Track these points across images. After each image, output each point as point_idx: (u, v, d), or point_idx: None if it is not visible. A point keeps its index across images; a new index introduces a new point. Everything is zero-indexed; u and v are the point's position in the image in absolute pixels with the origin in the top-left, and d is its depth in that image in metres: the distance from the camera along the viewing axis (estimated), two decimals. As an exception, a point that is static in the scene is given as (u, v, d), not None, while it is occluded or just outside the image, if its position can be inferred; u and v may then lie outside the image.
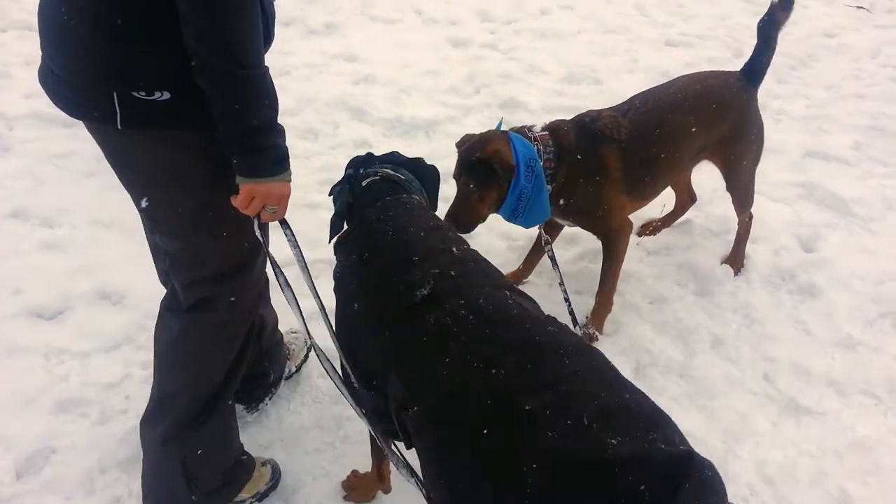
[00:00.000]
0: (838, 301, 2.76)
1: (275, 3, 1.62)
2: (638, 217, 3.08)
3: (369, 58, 4.72)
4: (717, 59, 4.82)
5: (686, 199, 3.15)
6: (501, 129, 2.46)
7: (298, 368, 2.43)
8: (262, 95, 1.42)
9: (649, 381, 2.42)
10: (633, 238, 3.01)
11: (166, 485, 1.87)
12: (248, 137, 1.45)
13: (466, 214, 2.37)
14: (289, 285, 1.75)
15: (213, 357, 1.83)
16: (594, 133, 2.45)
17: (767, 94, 4.36)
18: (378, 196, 1.77)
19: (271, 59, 4.45)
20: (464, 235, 1.81)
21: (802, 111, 4.23)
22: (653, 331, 2.61)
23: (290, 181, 1.57)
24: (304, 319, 1.75)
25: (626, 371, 2.43)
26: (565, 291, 2.45)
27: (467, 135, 2.49)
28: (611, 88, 4.39)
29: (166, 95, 1.41)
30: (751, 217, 2.93)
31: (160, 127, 1.46)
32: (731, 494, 2.01)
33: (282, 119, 4.18)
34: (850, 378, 2.45)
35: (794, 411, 2.32)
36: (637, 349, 2.53)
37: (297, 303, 1.75)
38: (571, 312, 2.43)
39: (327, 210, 3.21)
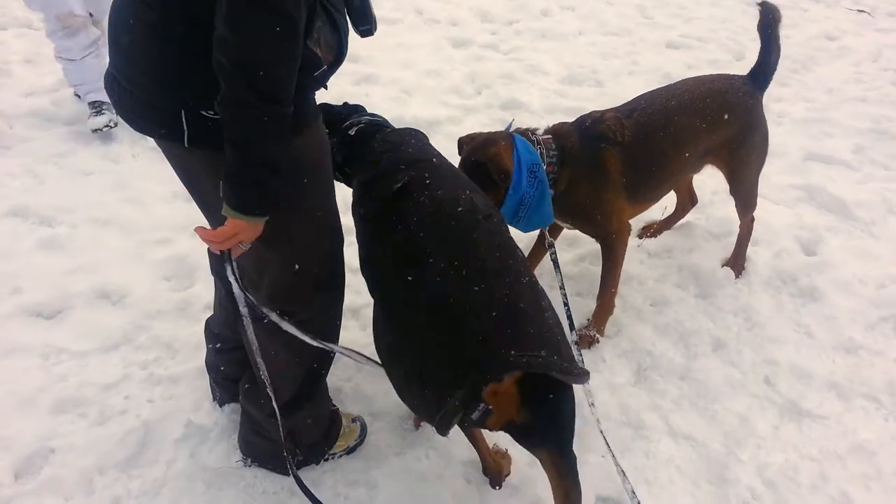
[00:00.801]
0: (839, 304, 2.76)
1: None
2: (639, 219, 3.08)
3: (370, 58, 4.70)
4: (719, 61, 4.82)
5: (687, 201, 3.14)
6: (510, 130, 2.43)
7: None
8: (273, 131, 1.35)
9: (650, 383, 2.42)
10: (634, 240, 3.02)
11: (272, 446, 1.97)
12: (249, 171, 1.37)
13: None
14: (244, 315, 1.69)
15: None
16: (596, 135, 2.43)
17: (769, 96, 4.31)
18: (373, 132, 2.12)
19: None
20: None
21: (803, 114, 4.23)
22: (654, 333, 2.60)
23: (262, 224, 1.49)
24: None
25: (626, 373, 2.45)
26: (565, 295, 2.44)
27: (473, 134, 2.47)
28: (612, 90, 4.38)
29: None
30: (752, 219, 2.93)
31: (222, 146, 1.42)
32: (732, 497, 2.02)
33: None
34: (851, 382, 2.44)
35: (796, 415, 2.31)
36: (638, 351, 2.52)
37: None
38: (569, 317, 2.41)
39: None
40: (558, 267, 2.47)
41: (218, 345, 2.15)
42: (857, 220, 3.29)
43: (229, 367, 2.16)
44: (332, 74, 1.56)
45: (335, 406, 2.16)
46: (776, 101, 4.32)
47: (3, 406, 2.21)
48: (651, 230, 3.15)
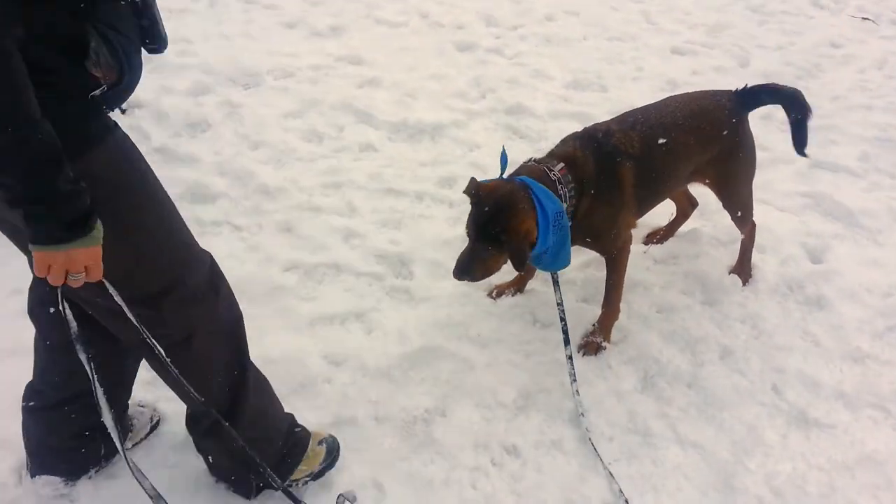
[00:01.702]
0: (847, 313, 2.75)
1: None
2: (644, 225, 3.07)
3: (374, 61, 4.70)
4: (723, 67, 4.81)
5: (686, 205, 3.12)
6: (507, 162, 2.30)
7: (136, 443, 2.18)
8: (22, 161, 1.21)
9: (658, 390, 2.40)
10: (640, 247, 3.01)
11: (228, 472, 1.98)
12: (26, 205, 1.26)
13: (481, 271, 2.27)
14: (89, 364, 1.55)
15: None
16: (610, 150, 2.37)
17: (774, 103, 4.35)
18: None
19: (275, 60, 4.42)
20: None
21: (809, 122, 4.21)
22: (660, 340, 2.59)
23: (97, 243, 1.36)
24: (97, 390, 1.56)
25: (633, 380, 2.44)
26: (562, 310, 2.41)
27: (477, 182, 2.26)
28: (616, 96, 4.38)
29: None
30: (753, 226, 2.92)
31: None
32: (741, 507, 2.00)
33: (286, 121, 4.16)
34: (859, 391, 2.43)
35: (804, 424, 2.30)
36: (645, 358, 2.51)
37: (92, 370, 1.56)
38: (565, 331, 2.39)
39: (332, 214, 3.24)
40: (558, 284, 2.44)
41: (32, 402, 1.95)
42: (863, 229, 3.28)
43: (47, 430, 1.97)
44: (123, 96, 1.50)
45: (300, 427, 2.05)
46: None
47: (6, 407, 2.18)
48: (656, 237, 3.14)
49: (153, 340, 1.61)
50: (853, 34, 5.59)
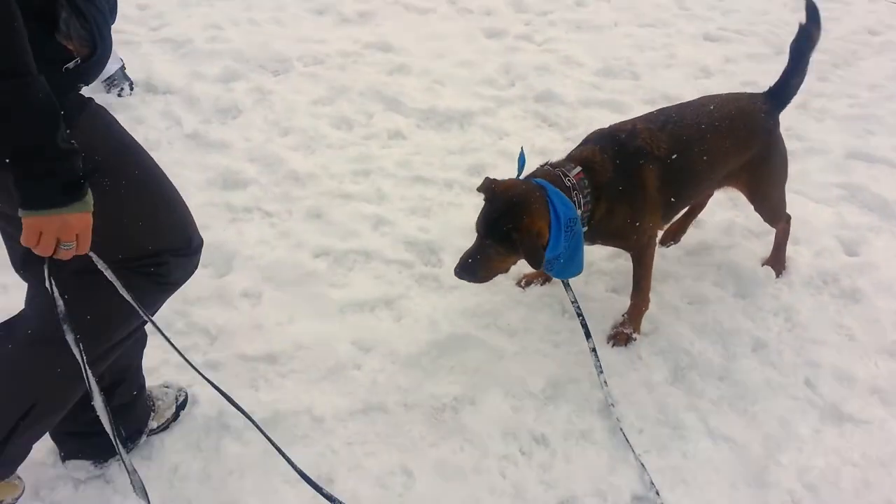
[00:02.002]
0: (882, 307, 2.70)
1: None
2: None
3: (403, 47, 4.68)
4: (758, 55, 4.72)
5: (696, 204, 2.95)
6: (524, 164, 2.25)
7: (164, 427, 2.18)
8: (24, 109, 1.19)
9: (689, 383, 2.38)
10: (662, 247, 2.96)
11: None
12: (21, 162, 1.21)
13: (485, 271, 2.23)
14: (77, 345, 1.52)
15: None
16: (633, 151, 2.29)
17: (809, 91, 4.25)
18: None
19: (305, 46, 4.44)
20: None
21: (846, 111, 4.13)
22: (692, 332, 2.57)
23: (89, 210, 1.33)
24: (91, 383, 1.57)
25: (663, 372, 2.42)
26: (577, 307, 2.39)
27: (491, 180, 2.23)
28: (648, 83, 4.32)
29: None
30: (788, 219, 2.86)
31: None
32: (772, 501, 1.99)
33: (315, 108, 4.19)
34: (894, 386, 2.39)
35: (837, 418, 2.27)
36: (676, 350, 2.49)
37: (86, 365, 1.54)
38: (584, 325, 2.36)
39: (361, 201, 3.25)
40: (568, 285, 2.41)
41: None
42: (900, 221, 3.21)
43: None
44: (96, 69, 1.44)
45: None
46: (816, 97, 4.23)
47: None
48: (671, 238, 2.99)
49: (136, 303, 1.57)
50: (892, 20, 5.45)
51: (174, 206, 1.73)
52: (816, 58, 4.69)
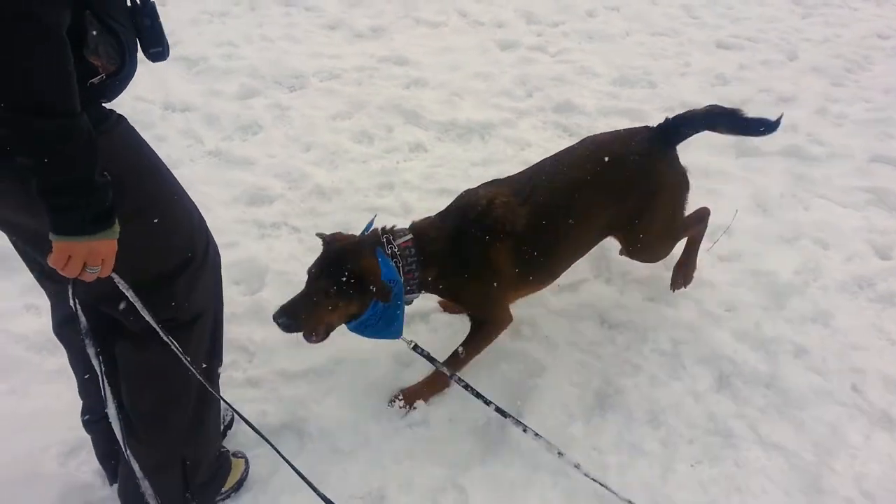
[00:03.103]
0: (921, 310, 2.69)
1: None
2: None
3: (418, 61, 4.69)
4: (771, 61, 4.74)
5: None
6: (371, 228, 2.23)
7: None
8: (66, 147, 1.23)
9: (734, 390, 2.37)
10: (705, 244, 2.93)
11: (163, 484, 1.82)
12: (56, 195, 1.27)
13: (312, 319, 2.07)
14: (94, 345, 1.58)
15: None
16: (484, 228, 2.20)
17: (827, 97, 4.28)
18: None
19: (319, 62, 4.46)
20: None
21: (863, 114, 4.14)
22: (733, 339, 2.55)
23: (116, 237, 1.38)
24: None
25: (709, 380, 2.40)
26: (461, 380, 2.18)
27: (337, 235, 2.22)
28: (666, 91, 4.33)
29: None
30: (703, 218, 2.63)
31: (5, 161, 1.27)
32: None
33: (335, 123, 4.19)
34: (941, 390, 2.38)
35: (888, 424, 2.25)
36: (719, 358, 2.47)
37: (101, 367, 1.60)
38: (478, 395, 2.13)
39: (388, 214, 3.23)
40: (432, 360, 2.18)
41: (86, 416, 1.94)
42: (930, 223, 3.21)
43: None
44: (120, 86, 1.45)
45: (223, 446, 2.08)
46: (834, 102, 4.24)
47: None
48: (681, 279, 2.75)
49: (156, 324, 1.58)
50: (901, 25, 5.49)
51: (184, 217, 1.69)
52: (829, 63, 4.76)
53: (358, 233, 2.27)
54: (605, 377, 2.42)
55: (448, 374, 2.20)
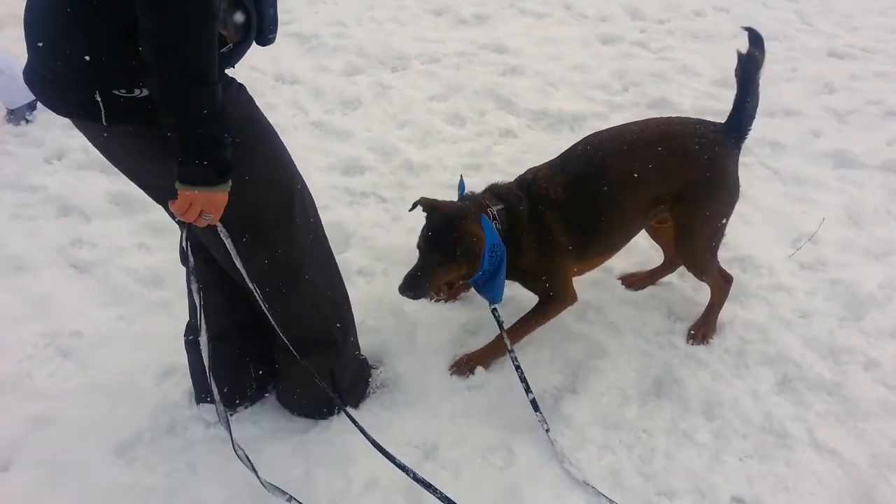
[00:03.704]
0: None
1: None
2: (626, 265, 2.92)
3: (517, 49, 4.79)
4: (888, 73, 4.53)
5: (675, 254, 2.68)
6: (463, 192, 2.40)
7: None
8: (208, 110, 1.44)
9: (796, 394, 2.35)
10: (786, 251, 2.90)
11: (314, 391, 2.13)
12: (193, 148, 1.48)
13: (429, 283, 2.29)
14: (196, 282, 1.82)
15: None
16: (533, 198, 2.33)
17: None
18: None
19: (423, 45, 4.66)
20: None
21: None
22: (802, 345, 2.53)
23: (228, 190, 1.58)
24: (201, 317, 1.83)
25: (771, 381, 2.41)
26: (515, 358, 2.31)
27: (435, 201, 2.33)
28: (767, 96, 4.18)
29: (145, 92, 1.47)
30: (728, 280, 2.59)
31: (142, 121, 1.50)
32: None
33: (431, 104, 4.36)
34: None
35: (956, 446, 2.19)
36: (784, 361, 2.46)
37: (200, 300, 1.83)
38: (523, 378, 2.28)
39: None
40: (500, 323, 2.37)
41: (191, 336, 2.17)
42: None
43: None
44: (241, 54, 1.63)
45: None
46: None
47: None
48: (633, 280, 2.83)
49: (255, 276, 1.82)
50: None
51: (287, 176, 1.88)
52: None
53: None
54: (666, 367, 2.46)
55: (508, 344, 2.32)
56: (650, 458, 2.15)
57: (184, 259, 1.95)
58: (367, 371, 2.38)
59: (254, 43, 1.65)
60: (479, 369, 2.43)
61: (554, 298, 2.45)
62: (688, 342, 2.56)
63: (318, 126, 3.89)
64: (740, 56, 2.39)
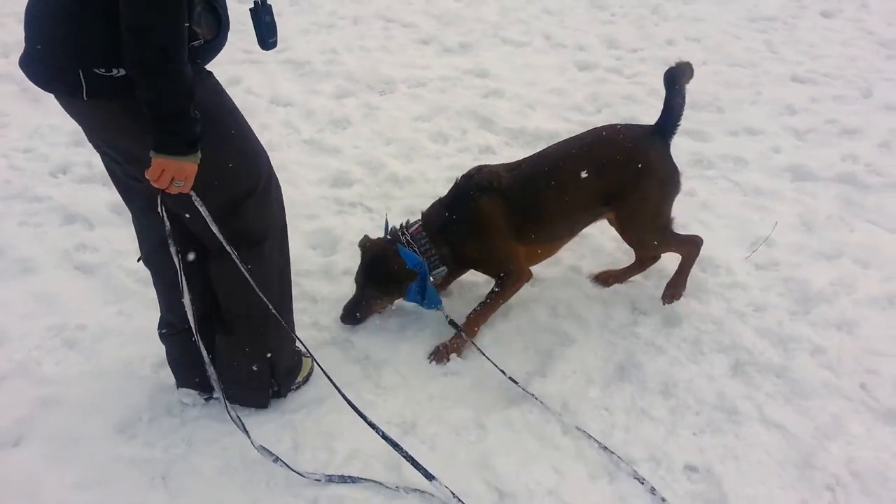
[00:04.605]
0: (950, 329, 2.78)
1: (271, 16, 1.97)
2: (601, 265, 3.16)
3: (498, 74, 5.08)
4: (844, 97, 4.81)
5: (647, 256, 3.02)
6: (388, 227, 2.80)
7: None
8: (178, 85, 1.63)
9: (746, 377, 2.55)
10: (743, 253, 3.13)
11: (251, 378, 2.30)
12: (164, 120, 1.67)
13: (366, 314, 2.75)
14: (174, 244, 2.00)
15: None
16: (471, 188, 2.67)
17: (893, 133, 4.33)
18: None
19: (409, 71, 4.95)
20: None
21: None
22: (754, 335, 2.73)
23: (197, 162, 1.76)
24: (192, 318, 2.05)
25: (724, 366, 2.61)
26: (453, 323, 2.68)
27: (367, 239, 2.80)
28: (733, 117, 4.51)
29: (122, 72, 1.66)
30: (697, 244, 2.88)
31: (121, 98, 1.69)
32: (817, 480, 2.14)
33: (416, 123, 4.62)
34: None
35: (892, 420, 2.38)
36: (737, 348, 2.66)
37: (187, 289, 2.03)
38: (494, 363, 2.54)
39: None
40: (454, 323, 2.69)
41: (163, 330, 2.35)
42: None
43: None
44: (213, 52, 1.86)
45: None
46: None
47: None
48: (604, 278, 3.05)
49: (227, 243, 2.00)
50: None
51: (252, 152, 2.08)
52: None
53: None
54: (628, 354, 2.66)
55: (465, 335, 2.66)
56: (610, 432, 2.34)
57: (147, 257, 2.22)
58: (300, 360, 2.51)
59: (227, 41, 1.89)
60: (455, 357, 2.63)
61: (508, 277, 2.71)
62: (662, 302, 2.88)
63: (309, 143, 4.13)
64: (670, 67, 2.77)
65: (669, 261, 3.07)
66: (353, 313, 2.74)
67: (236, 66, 4.84)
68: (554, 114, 4.52)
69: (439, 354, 2.65)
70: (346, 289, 2.96)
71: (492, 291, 2.73)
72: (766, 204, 3.61)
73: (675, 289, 2.90)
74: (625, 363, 2.62)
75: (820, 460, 2.22)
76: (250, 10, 1.98)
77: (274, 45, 2.03)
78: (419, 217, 2.78)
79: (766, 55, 5.58)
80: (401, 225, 2.77)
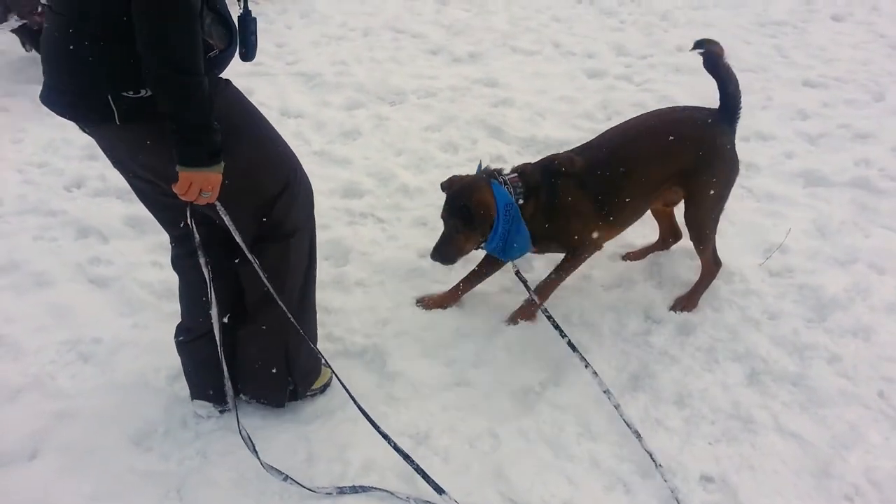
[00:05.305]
0: (968, 335, 2.75)
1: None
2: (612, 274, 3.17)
3: (508, 84, 5.08)
4: (856, 101, 4.78)
5: (668, 234, 3.20)
6: (480, 167, 2.78)
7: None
8: (197, 97, 1.67)
9: (762, 386, 2.53)
10: (756, 259, 3.11)
11: (269, 370, 2.31)
12: (187, 133, 1.71)
13: (453, 251, 2.70)
14: (203, 255, 2.05)
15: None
16: (552, 173, 2.71)
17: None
18: None
19: (419, 81, 5.00)
20: None
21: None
22: (770, 343, 2.71)
23: (221, 171, 1.80)
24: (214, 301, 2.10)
25: (739, 375, 2.59)
26: (546, 310, 2.68)
27: (454, 177, 2.78)
28: (743, 122, 4.39)
29: (149, 92, 1.70)
30: (717, 263, 2.94)
31: (150, 119, 1.73)
32: (834, 490, 2.11)
33: (426, 133, 4.64)
34: (974, 407, 2.44)
35: (910, 429, 2.36)
36: (752, 357, 2.64)
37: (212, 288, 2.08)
38: (557, 326, 2.61)
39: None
40: (528, 287, 2.72)
41: (181, 337, 2.35)
42: None
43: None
44: (227, 60, 1.90)
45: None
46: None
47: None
48: (631, 255, 3.25)
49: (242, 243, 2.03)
50: None
51: (278, 154, 2.11)
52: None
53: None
54: (642, 363, 2.65)
55: (538, 303, 2.72)
56: (625, 442, 2.32)
57: (175, 261, 2.19)
58: (319, 366, 2.49)
59: (237, 49, 1.94)
60: (467, 361, 2.67)
61: (579, 247, 2.77)
62: (670, 310, 2.89)
63: (320, 154, 4.15)
64: (702, 55, 2.86)
65: (681, 268, 3.06)
66: (443, 251, 2.70)
67: (247, 79, 4.88)
68: (564, 122, 4.52)
69: (512, 318, 2.84)
70: (359, 300, 2.98)
71: (564, 261, 2.81)
72: (779, 210, 3.58)
73: (689, 302, 2.92)
74: (639, 372, 2.61)
75: (838, 469, 2.20)
76: (238, 18, 2.00)
77: (252, 58, 2.06)
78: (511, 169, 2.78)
79: (777, 60, 5.56)
80: (494, 169, 2.75)
